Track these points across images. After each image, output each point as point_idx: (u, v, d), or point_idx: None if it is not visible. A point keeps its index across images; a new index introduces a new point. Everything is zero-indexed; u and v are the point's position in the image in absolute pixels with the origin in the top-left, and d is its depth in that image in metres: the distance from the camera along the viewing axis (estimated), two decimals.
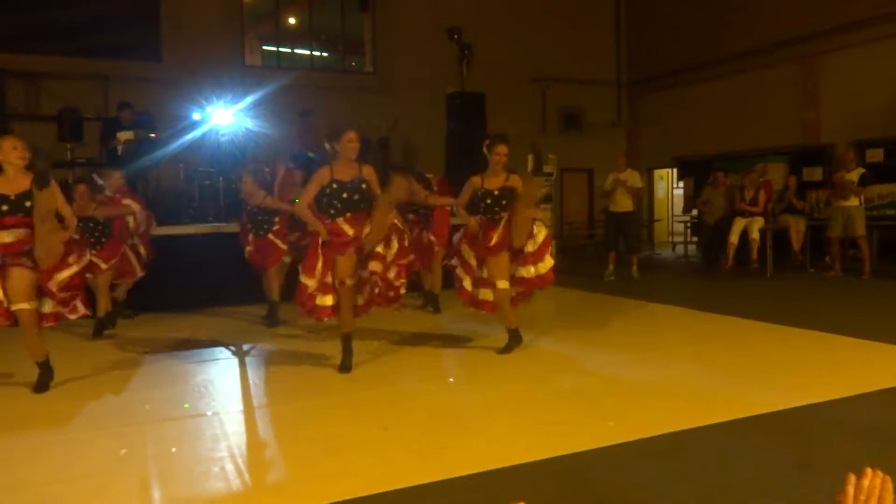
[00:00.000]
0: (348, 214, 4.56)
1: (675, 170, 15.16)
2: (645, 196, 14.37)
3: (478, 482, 2.91)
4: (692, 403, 3.89)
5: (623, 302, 7.59)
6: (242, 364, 5.29)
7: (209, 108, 10.45)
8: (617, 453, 3.19)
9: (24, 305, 4.16)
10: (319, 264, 4.54)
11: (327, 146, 4.64)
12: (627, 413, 3.77)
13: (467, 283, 5.16)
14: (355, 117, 8.82)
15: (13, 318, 4.20)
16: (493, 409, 3.92)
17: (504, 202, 5.00)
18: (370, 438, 3.47)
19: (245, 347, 5.76)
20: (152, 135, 10.44)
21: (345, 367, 4.69)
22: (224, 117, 10.39)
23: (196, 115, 10.54)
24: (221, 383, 4.73)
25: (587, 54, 15.41)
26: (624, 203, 9.50)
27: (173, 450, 3.38)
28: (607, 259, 9.60)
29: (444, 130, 10.99)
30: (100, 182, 6.45)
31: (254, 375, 4.90)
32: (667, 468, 3.02)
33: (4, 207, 4.05)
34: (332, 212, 4.59)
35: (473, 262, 5.13)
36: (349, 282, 4.62)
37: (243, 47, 13.44)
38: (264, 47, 14.91)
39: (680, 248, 13.58)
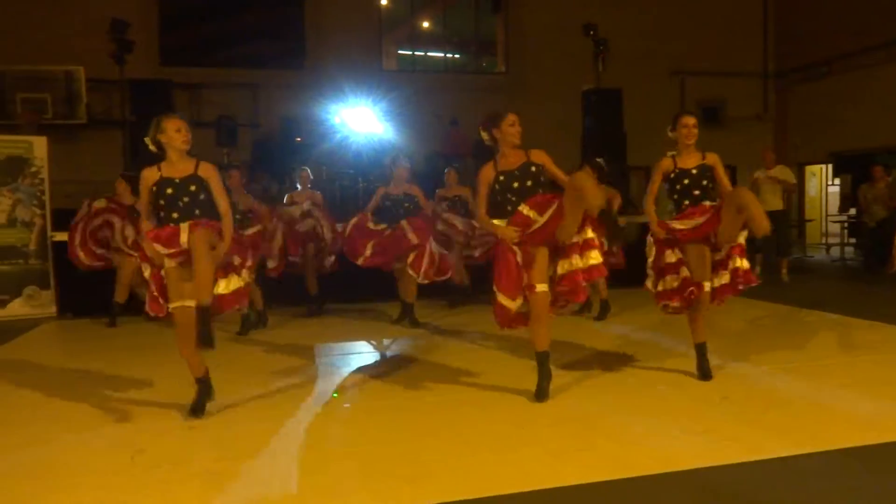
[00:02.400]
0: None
1: (828, 166, 14.02)
2: (795, 194, 13.41)
3: (617, 488, 2.85)
4: (843, 420, 3.61)
5: (772, 307, 7.15)
6: (381, 360, 5.48)
7: (349, 112, 10.94)
8: (768, 469, 3.01)
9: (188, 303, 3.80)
10: (518, 275, 3.94)
11: (485, 136, 4.17)
12: (777, 425, 3.55)
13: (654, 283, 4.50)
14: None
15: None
16: (630, 414, 3.83)
17: (705, 182, 4.33)
18: (501, 436, 3.50)
19: (385, 342, 5.97)
20: (298, 139, 11.09)
21: (542, 392, 4.03)
22: (363, 121, 10.84)
23: (337, 119, 11.07)
24: (362, 378, 4.93)
25: (730, 44, 14.57)
26: (773, 201, 8.92)
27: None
28: (753, 261, 9.05)
29: (580, 128, 10.82)
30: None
31: (390, 371, 5.05)
32: (817, 487, 2.82)
33: (169, 191, 3.80)
34: (508, 208, 4.02)
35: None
36: (540, 287, 3.96)
37: (381, 52, 13.93)
38: (399, 51, 15.39)
39: (835, 251, 12.56)
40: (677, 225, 4.30)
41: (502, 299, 3.97)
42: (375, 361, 5.45)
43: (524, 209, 3.94)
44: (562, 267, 3.99)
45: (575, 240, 3.93)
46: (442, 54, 15.55)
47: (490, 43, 15.22)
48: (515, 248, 3.94)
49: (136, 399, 4.27)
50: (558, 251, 4.01)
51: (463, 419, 3.79)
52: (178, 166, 3.84)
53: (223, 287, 3.95)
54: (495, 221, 4.05)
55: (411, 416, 3.93)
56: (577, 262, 3.95)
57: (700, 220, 4.22)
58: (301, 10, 13.04)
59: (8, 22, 11.03)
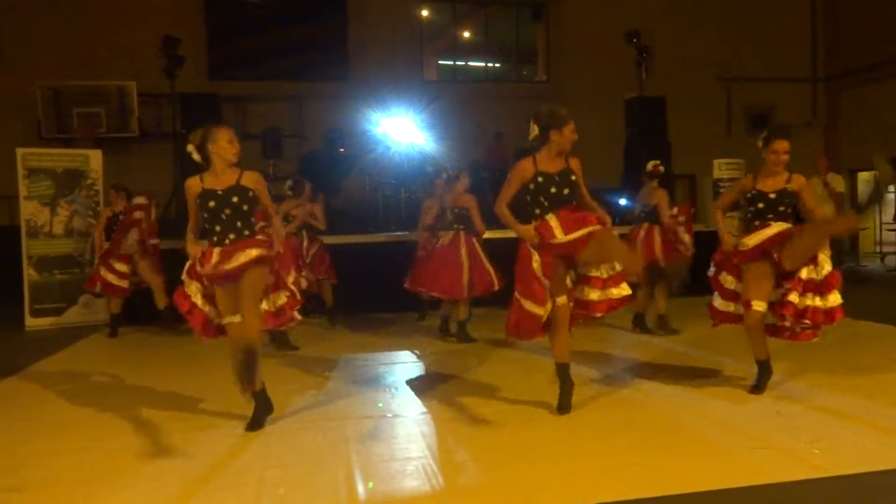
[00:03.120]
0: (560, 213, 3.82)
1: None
2: (846, 202, 13.02)
3: None
4: None
5: None
6: (428, 368, 5.49)
7: (391, 123, 11.04)
8: (829, 487, 2.92)
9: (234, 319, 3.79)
10: (541, 280, 3.79)
11: (535, 130, 3.91)
12: (834, 442, 3.44)
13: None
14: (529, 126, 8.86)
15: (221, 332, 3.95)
16: (687, 428, 3.76)
17: (782, 209, 4.20)
18: (548, 449, 3.47)
19: (429, 351, 5.99)
20: (341, 150, 11.24)
21: (564, 405, 3.97)
22: (405, 131, 10.92)
23: (379, 130, 11.18)
24: (410, 385, 4.94)
25: (777, 48, 14.28)
26: (823, 210, 8.67)
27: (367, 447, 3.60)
28: None
29: (623, 137, 10.72)
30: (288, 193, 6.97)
31: (439, 380, 5.07)
32: None
33: (212, 203, 3.76)
34: (537, 211, 3.89)
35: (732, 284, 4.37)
36: (561, 300, 3.88)
37: (422, 63, 14.04)
38: (440, 62, 15.49)
39: (890, 260, 12.15)
40: (747, 241, 4.18)
41: (530, 307, 3.80)
42: (408, 372, 5.47)
43: (552, 220, 3.80)
44: (592, 294, 3.96)
45: (602, 274, 3.93)
46: (483, 64, 15.59)
47: (531, 52, 15.20)
48: (534, 251, 3.80)
49: (186, 407, 4.37)
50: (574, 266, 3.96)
51: (507, 431, 3.78)
52: (221, 178, 3.78)
53: (268, 305, 3.96)
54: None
55: (451, 426, 3.91)
56: (613, 293, 3.95)
57: (769, 234, 4.12)
58: (344, 22, 13.24)
59: (64, 40, 11.45)
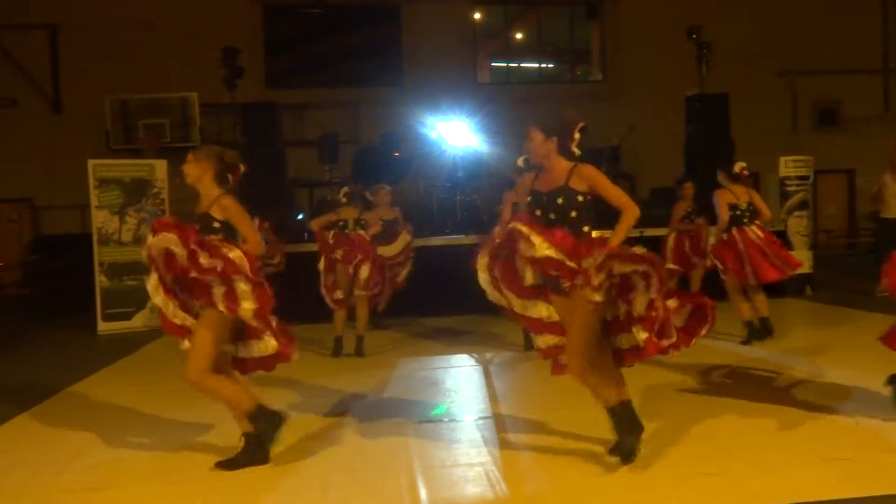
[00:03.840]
0: None
1: None
2: None
3: None
4: None
5: None
6: (488, 372, 5.44)
7: (445, 126, 11.05)
8: None
9: None
10: None
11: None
12: None
13: None
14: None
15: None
16: (759, 437, 3.61)
17: None
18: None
19: (488, 356, 5.94)
20: (396, 153, 11.31)
21: (623, 451, 3.30)
22: (459, 134, 10.92)
23: (434, 134, 11.21)
24: (470, 390, 4.92)
25: (845, 39, 13.71)
26: None
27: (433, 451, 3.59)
28: (878, 272, 8.40)
29: (683, 136, 10.46)
30: (370, 198, 6.98)
31: (499, 384, 5.02)
32: None
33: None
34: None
35: None
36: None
37: (475, 66, 14.03)
38: (493, 64, 15.46)
39: None
40: None
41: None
42: (467, 376, 5.43)
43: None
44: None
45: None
46: (536, 65, 15.49)
47: (585, 51, 15.02)
48: None
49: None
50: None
51: (573, 437, 3.69)
52: (201, 203, 3.46)
53: (245, 352, 3.50)
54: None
55: (513, 432, 3.86)
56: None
57: None
58: (398, 28, 13.35)
59: (130, 56, 11.89)
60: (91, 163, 8.27)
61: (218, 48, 10.02)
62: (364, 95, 12.76)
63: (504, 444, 3.68)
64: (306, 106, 12.44)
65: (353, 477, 3.27)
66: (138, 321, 8.09)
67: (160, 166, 8.53)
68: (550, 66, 15.67)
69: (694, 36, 10.33)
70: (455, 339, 6.79)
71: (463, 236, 8.63)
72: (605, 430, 3.67)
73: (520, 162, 6.06)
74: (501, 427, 3.97)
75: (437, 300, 8.02)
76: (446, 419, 4.20)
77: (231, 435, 3.53)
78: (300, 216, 10.34)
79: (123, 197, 8.25)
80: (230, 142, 10.84)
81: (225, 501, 3.07)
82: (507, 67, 15.44)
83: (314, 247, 7.43)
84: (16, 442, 4.04)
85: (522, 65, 15.67)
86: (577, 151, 3.29)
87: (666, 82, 11.87)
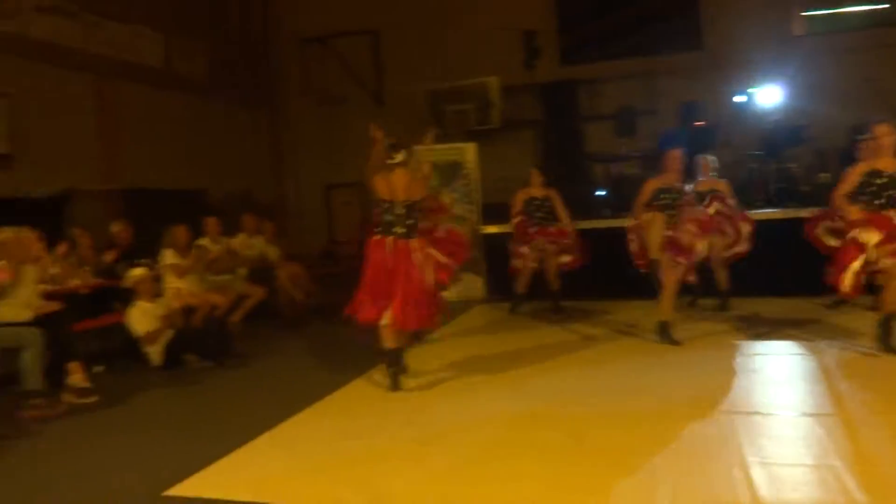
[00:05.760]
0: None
1: None
2: None
3: None
4: None
5: None
6: (823, 364, 4.87)
7: (755, 90, 10.14)
8: None
9: None
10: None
11: None
12: None
13: None
14: None
15: None
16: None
17: None
18: None
19: (821, 345, 5.31)
20: (698, 122, 10.70)
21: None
22: (771, 97, 9.95)
23: (741, 98, 10.36)
24: (799, 381, 4.52)
25: None
26: None
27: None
28: None
29: None
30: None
31: (839, 378, 4.50)
32: None
33: None
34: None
35: None
36: None
37: (788, 17, 12.55)
38: (808, 13, 13.66)
39: None
40: None
41: None
42: (797, 365, 4.96)
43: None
44: None
45: None
46: (864, 7, 13.33)
47: None
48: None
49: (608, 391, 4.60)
50: None
51: None
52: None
53: None
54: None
55: (864, 431, 3.46)
56: None
57: None
58: None
59: (435, 50, 12.92)
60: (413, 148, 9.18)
61: (516, 32, 10.39)
62: (660, 64, 12.20)
63: (856, 446, 3.32)
64: (600, 80, 12.32)
65: (681, 461, 3.24)
66: (451, 294, 8.85)
67: (470, 149, 9.19)
68: (884, 6, 13.36)
69: None
70: (777, 325, 6.20)
71: (779, 210, 7.88)
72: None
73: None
74: (846, 425, 3.58)
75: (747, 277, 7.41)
76: (778, 412, 3.93)
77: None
78: (600, 192, 10.36)
79: (439, 179, 9.05)
80: (529, 121, 11.26)
81: (571, 480, 3.25)
82: (828, 14, 13.53)
83: (612, 223, 7.50)
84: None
85: (846, 9, 13.61)
86: None
87: None
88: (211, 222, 7.65)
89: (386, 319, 4.61)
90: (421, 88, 12.63)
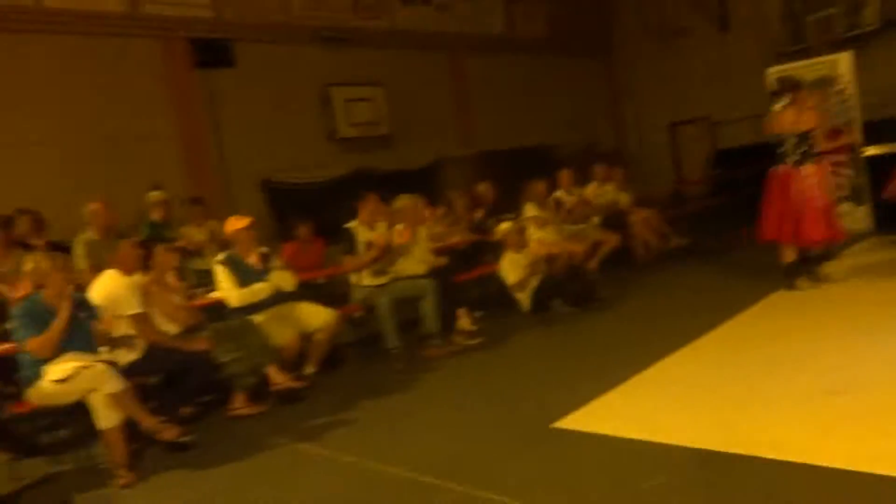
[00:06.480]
0: None
1: None
2: None
3: None
4: None
5: None
6: None
7: None
8: None
9: None
10: None
11: None
12: None
13: None
14: None
15: None
16: None
17: None
18: None
19: None
20: None
21: None
22: None
23: None
24: None
25: None
26: None
27: None
28: None
29: None
30: None
31: None
32: None
33: None
34: None
35: None
36: None
37: None
38: None
39: None
40: None
41: None
42: None
43: None
44: None
45: None
46: None
47: None
48: None
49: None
50: None
51: None
52: None
53: None
54: None
55: None
56: None
57: None
58: None
59: None
60: (770, 70, 8.23)
61: None
62: None
63: None
64: None
65: None
66: None
67: (844, 60, 7.91)
68: None
69: None
70: None
71: None
72: None
73: None
74: None
75: None
76: None
77: None
78: None
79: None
80: None
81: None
82: None
83: None
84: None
85: None
86: None
87: None
88: (564, 174, 7.94)
89: (786, 237, 5.35)
90: (778, 4, 11.23)
